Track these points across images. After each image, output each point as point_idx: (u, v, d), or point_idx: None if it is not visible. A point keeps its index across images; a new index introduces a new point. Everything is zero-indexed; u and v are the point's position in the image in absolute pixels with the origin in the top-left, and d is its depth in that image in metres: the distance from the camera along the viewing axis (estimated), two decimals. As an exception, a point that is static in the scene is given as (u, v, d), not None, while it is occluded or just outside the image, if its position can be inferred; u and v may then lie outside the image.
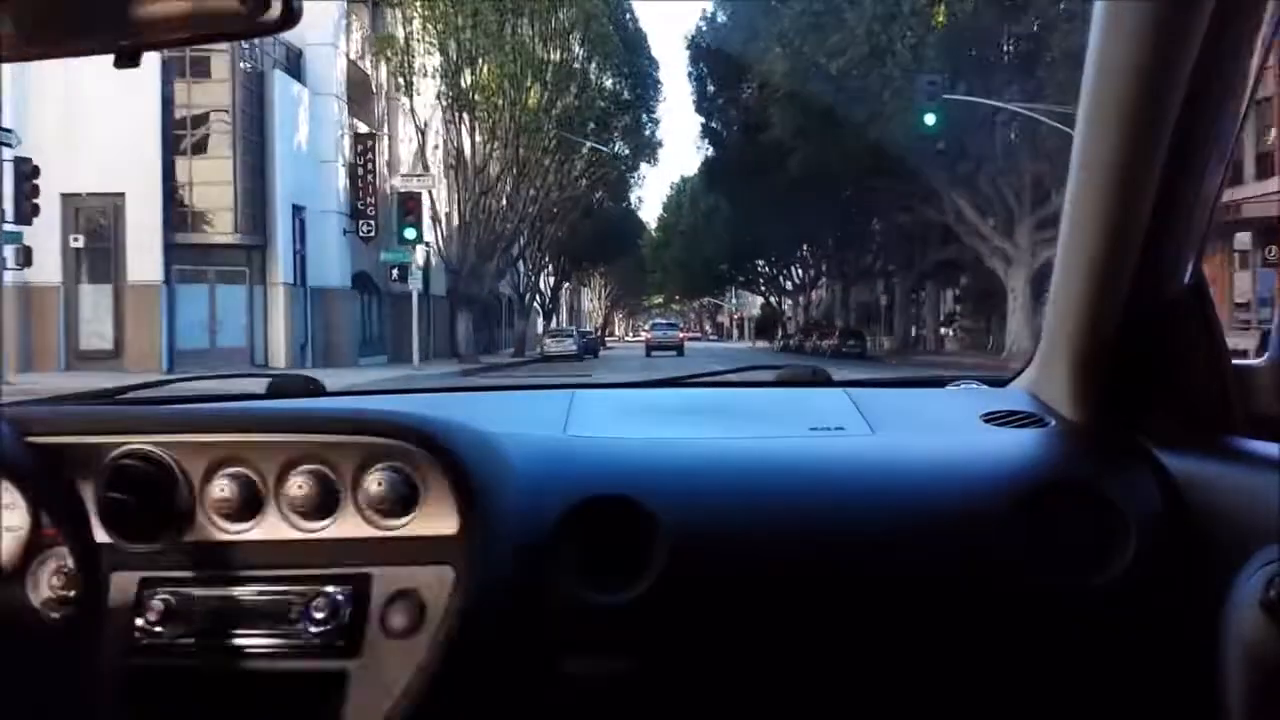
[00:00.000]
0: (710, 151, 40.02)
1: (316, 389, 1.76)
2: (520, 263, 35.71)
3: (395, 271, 22.33)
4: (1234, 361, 1.23)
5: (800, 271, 55.28)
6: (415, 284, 20.64)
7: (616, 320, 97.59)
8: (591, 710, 1.21)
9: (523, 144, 26.50)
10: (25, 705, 1.12)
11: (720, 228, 49.32)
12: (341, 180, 23.55)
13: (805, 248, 49.59)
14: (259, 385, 1.78)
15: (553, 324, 42.07)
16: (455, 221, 27.51)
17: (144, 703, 1.13)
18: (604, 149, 29.68)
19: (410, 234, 20.26)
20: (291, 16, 0.61)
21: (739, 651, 1.20)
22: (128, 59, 0.63)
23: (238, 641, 1.13)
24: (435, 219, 26.38)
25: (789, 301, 61.51)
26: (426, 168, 25.23)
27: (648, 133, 34.04)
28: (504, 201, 27.41)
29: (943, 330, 38.83)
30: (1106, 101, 1.11)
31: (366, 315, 25.69)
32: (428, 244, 26.89)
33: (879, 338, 41.93)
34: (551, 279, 44.72)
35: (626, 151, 33.34)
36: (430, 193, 25.83)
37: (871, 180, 25.78)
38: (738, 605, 1.19)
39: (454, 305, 26.87)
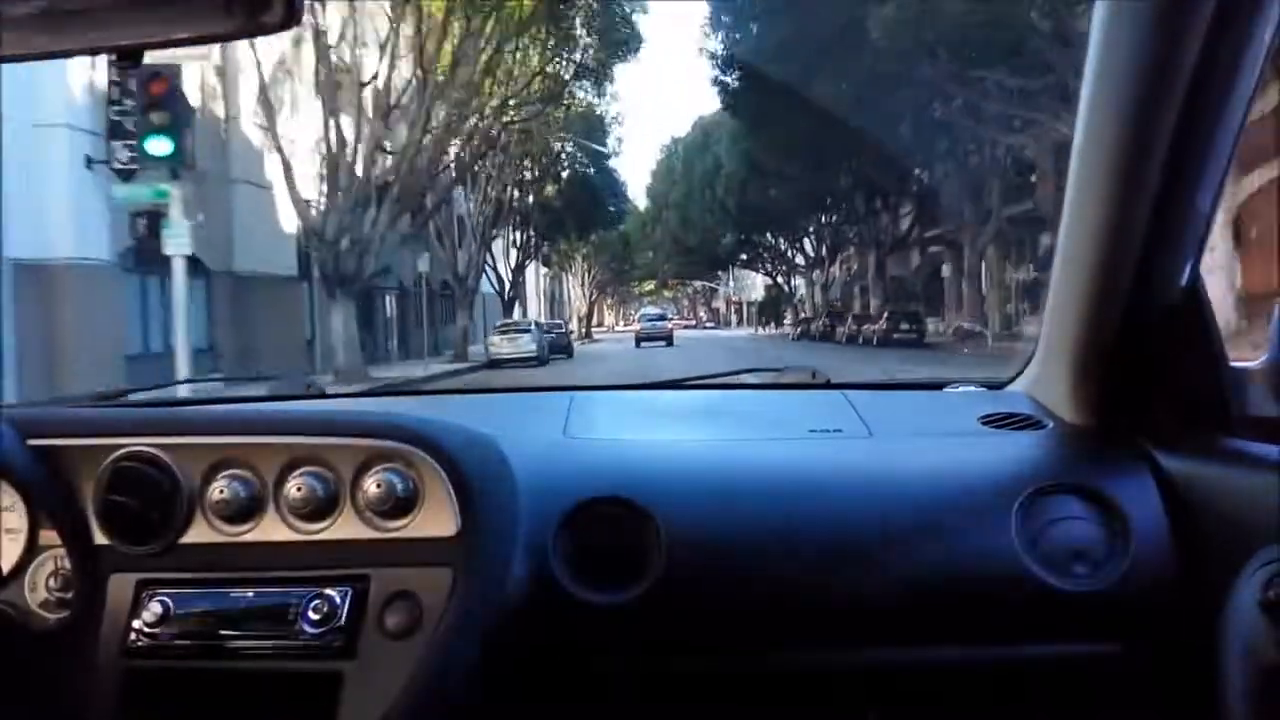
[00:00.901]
0: (720, 47, 27.99)
1: (316, 392, 1.80)
2: (454, 231, 25.36)
3: (141, 223, 11.88)
4: (1232, 363, 1.20)
5: (815, 245, 45.34)
6: (179, 246, 10.32)
7: (606, 309, 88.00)
8: (591, 710, 1.22)
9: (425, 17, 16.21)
10: (23, 707, 1.11)
11: (722, 191, 39.16)
12: (80, 73, 13.13)
13: (824, 215, 39.71)
14: (259, 388, 1.82)
15: (514, 316, 31.72)
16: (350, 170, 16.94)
17: (141, 704, 1.10)
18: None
19: (158, 147, 9.83)
20: (292, 16, 0.61)
21: (736, 652, 1.19)
22: (128, 59, 0.63)
23: (235, 643, 1.11)
24: (279, 148, 15.90)
25: (800, 280, 51.67)
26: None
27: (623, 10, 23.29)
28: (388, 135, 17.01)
29: (1009, 307, 28.98)
30: (1106, 102, 1.10)
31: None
32: (314, 201, 16.57)
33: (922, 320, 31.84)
34: (513, 257, 34.21)
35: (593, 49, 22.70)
36: (267, 112, 15.52)
37: (978, 71, 15.83)
38: (735, 606, 1.17)
39: (329, 292, 16.48)
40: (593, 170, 33.26)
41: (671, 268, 53.52)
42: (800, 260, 47.14)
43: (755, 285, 71.39)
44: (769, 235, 46.09)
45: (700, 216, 44.46)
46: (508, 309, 32.54)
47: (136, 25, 0.62)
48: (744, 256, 51.49)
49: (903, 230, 35.54)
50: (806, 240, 45.04)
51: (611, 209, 36.43)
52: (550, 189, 32.33)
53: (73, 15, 0.61)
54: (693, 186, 44.45)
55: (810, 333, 39.75)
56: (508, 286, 33.34)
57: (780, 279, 51.43)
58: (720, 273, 73.22)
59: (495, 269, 32.76)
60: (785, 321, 58.66)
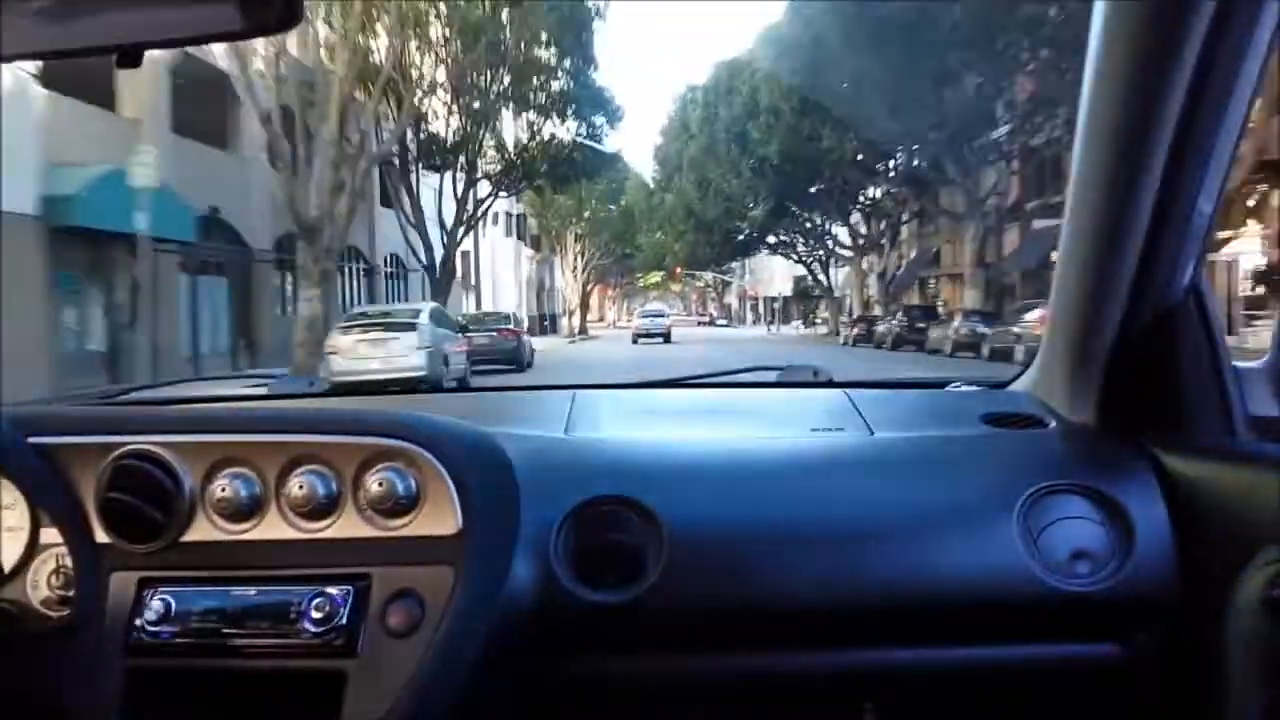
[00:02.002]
0: None
1: (318, 390, 1.72)
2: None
3: None
4: (1234, 363, 1.18)
5: (868, 221, 33.80)
6: None
7: (608, 304, 76.48)
8: (592, 710, 1.21)
9: None
10: (24, 706, 1.10)
11: (760, 136, 27.56)
12: None
13: (895, 174, 28.37)
14: (260, 386, 1.73)
15: (468, 302, 19.87)
16: None
17: (143, 703, 1.08)
18: None
19: None
20: (291, 16, 0.61)
21: (738, 651, 1.17)
22: (128, 59, 0.62)
23: (237, 641, 1.08)
24: None
25: (843, 271, 40.09)
26: None
27: None
28: None
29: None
30: (1107, 102, 1.08)
31: None
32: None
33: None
34: (442, 199, 22.23)
35: None
36: None
37: None
38: (737, 605, 1.14)
39: None
40: (572, 82, 21.40)
41: (683, 250, 41.41)
42: (845, 240, 35.53)
43: (774, 278, 60.14)
44: (808, 214, 34.49)
45: (723, 179, 32.85)
46: (439, 292, 20.82)
47: (137, 25, 0.60)
48: (770, 241, 39.81)
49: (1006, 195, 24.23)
50: (853, 216, 33.58)
51: (600, 147, 24.25)
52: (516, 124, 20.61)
53: (73, 15, 0.60)
54: (715, 139, 32.82)
55: (871, 335, 27.99)
56: (442, 257, 21.54)
57: (817, 266, 39.72)
58: (734, 263, 61.63)
59: (418, 229, 20.98)
60: (818, 320, 47.33)
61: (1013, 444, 1.28)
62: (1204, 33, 0.95)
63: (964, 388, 1.60)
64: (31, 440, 1.10)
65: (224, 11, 0.58)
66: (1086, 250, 1.17)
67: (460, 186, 21.53)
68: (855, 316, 32.26)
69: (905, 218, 33.63)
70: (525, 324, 39.35)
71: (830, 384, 1.67)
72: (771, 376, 1.78)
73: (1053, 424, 1.31)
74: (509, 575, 1.09)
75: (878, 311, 33.02)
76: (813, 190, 31.60)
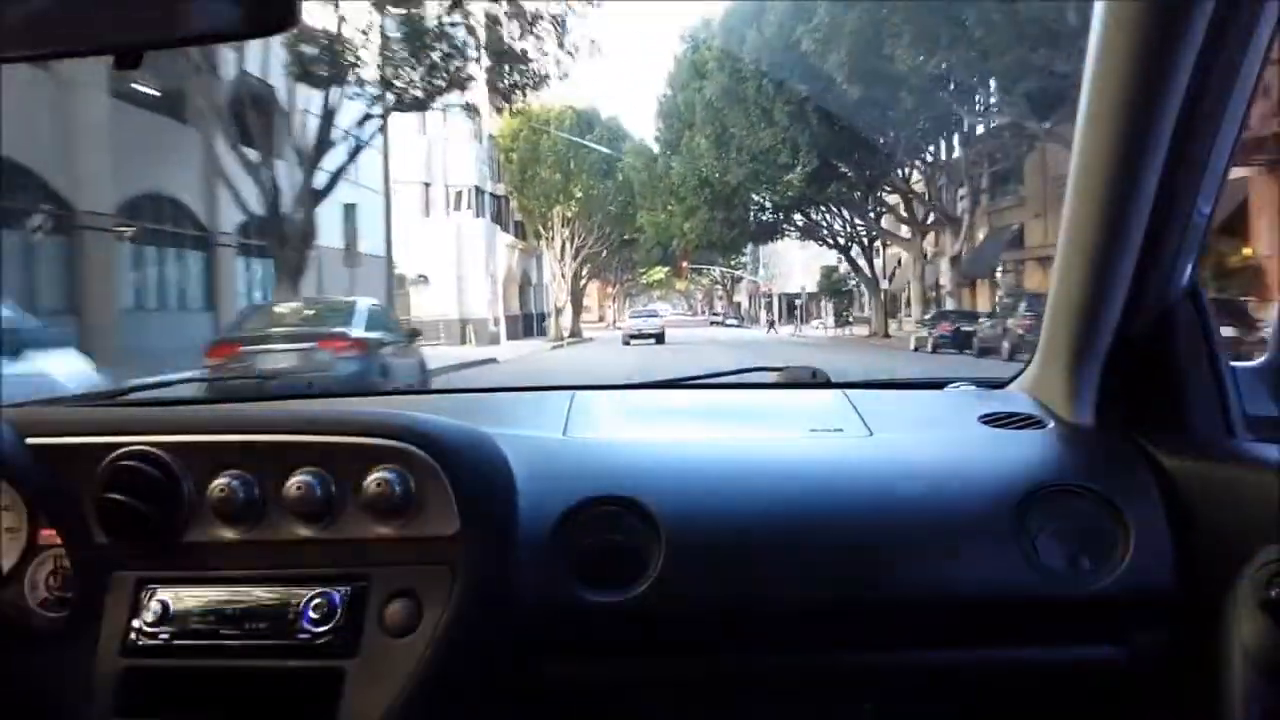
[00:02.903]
0: None
1: (316, 391, 1.69)
2: None
3: None
4: (1232, 363, 1.17)
5: (946, 190, 24.89)
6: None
7: (607, 301, 67.49)
8: (590, 711, 1.20)
9: None
10: (23, 706, 1.09)
11: (814, 48, 18.52)
12: None
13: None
14: (259, 387, 1.69)
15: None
16: None
17: (141, 703, 1.07)
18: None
19: None
20: (291, 16, 0.60)
21: (737, 651, 1.16)
22: (127, 59, 0.62)
23: (235, 642, 1.08)
24: None
25: (879, 258, 31.26)
26: None
27: None
28: None
29: None
30: (1106, 102, 1.07)
31: None
32: None
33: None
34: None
35: None
36: None
37: None
38: (735, 606, 1.14)
39: None
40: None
41: (694, 230, 32.07)
42: (902, 213, 26.68)
43: (792, 272, 51.26)
44: (864, 174, 25.58)
45: (750, 131, 23.90)
46: (288, 271, 11.71)
47: (136, 26, 0.60)
48: (798, 221, 30.88)
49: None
50: (916, 182, 24.74)
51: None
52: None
53: (71, 15, 0.60)
54: (740, 75, 23.80)
55: (962, 338, 18.89)
56: (301, 218, 12.34)
57: (857, 251, 30.74)
58: (745, 256, 52.74)
59: (242, 162, 11.80)
60: (852, 318, 38.38)
61: (1011, 444, 1.26)
62: (1204, 33, 0.95)
63: (962, 388, 1.58)
64: (29, 441, 1.07)
65: (224, 11, 0.57)
66: (1085, 250, 1.16)
67: (328, 95, 12.35)
68: (937, 312, 23.02)
69: (984, 184, 24.71)
70: (476, 326, 30.42)
71: (829, 384, 1.65)
72: (770, 377, 1.76)
73: (1051, 424, 1.30)
74: (506, 576, 1.08)
75: (950, 305, 24.15)
76: (871, 141, 22.74)
